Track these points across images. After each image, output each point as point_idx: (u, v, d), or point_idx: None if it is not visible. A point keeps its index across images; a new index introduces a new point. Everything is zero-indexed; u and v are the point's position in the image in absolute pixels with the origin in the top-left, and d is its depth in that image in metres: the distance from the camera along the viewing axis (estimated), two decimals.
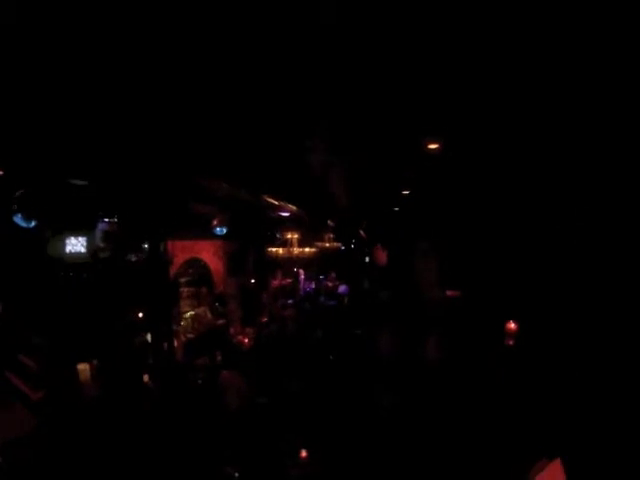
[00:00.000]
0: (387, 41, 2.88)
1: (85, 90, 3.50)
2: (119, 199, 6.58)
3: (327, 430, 5.02)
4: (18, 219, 4.80)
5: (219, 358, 7.39)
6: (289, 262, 11.14)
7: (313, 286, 12.29)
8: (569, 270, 4.76)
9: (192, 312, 8.93)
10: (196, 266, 9.64)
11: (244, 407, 5.49)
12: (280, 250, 10.40)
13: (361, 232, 11.74)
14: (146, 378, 6.27)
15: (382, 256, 9.71)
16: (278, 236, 11.16)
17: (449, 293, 6.96)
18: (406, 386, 5.51)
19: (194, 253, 9.52)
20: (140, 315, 7.04)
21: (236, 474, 4.36)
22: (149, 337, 6.91)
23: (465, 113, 4.23)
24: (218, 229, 8.50)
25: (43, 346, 4.92)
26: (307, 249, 10.74)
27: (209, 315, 9.06)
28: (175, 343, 7.34)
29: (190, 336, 8.17)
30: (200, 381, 6.59)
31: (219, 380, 5.93)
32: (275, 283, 11.28)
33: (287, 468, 4.45)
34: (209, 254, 9.95)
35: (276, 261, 10.87)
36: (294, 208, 9.67)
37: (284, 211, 10.04)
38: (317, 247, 11.30)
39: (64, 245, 6.00)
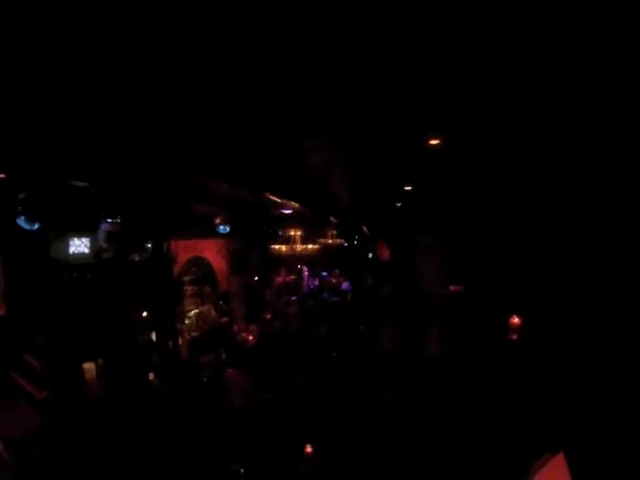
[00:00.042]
0: (388, 36, 2.88)
1: (86, 92, 3.51)
2: (121, 200, 6.60)
3: (331, 426, 5.04)
4: (21, 221, 4.83)
5: (223, 356, 7.44)
6: (292, 259, 11.16)
7: (316, 283, 12.31)
8: (571, 264, 4.75)
9: (196, 310, 8.98)
10: (199, 265, 9.68)
11: (248, 405, 5.52)
12: (283, 247, 10.41)
13: (364, 228, 11.72)
14: (151, 376, 6.31)
15: (385, 252, 9.70)
16: (281, 233, 11.17)
17: (452, 288, 6.95)
18: (409, 382, 5.52)
19: (197, 252, 9.55)
20: (144, 314, 7.08)
21: (242, 470, 4.39)
22: (154, 336, 6.95)
23: (467, 109, 4.22)
24: (221, 227, 8.54)
25: (48, 346, 4.96)
26: (310, 246, 10.75)
27: (213, 313, 9.11)
28: (179, 341, 7.38)
29: (194, 334, 8.22)
30: (205, 379, 6.63)
31: (223, 378, 5.96)
32: (278, 280, 11.31)
33: (292, 464, 4.48)
34: (212, 252, 9.98)
35: (279, 258, 10.89)
36: (297, 205, 9.66)
37: (287, 208, 10.05)
38: (320, 244, 11.30)
39: (67, 246, 6.03)
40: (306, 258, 11.24)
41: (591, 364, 4.11)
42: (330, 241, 11.55)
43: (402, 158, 6.02)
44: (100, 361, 5.76)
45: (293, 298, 10.56)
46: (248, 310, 9.13)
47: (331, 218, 11.49)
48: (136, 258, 7.35)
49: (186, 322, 8.50)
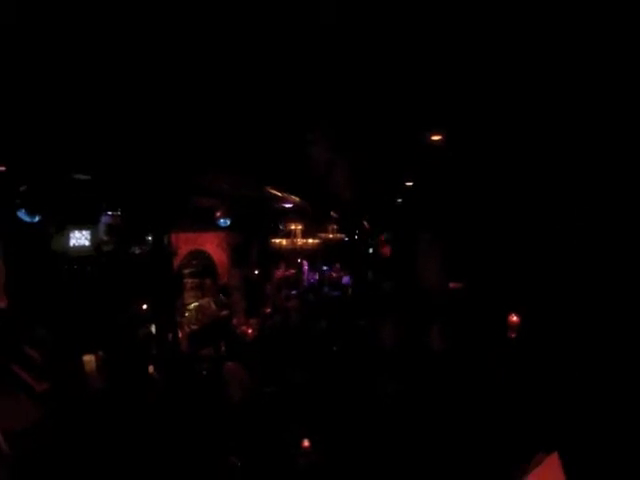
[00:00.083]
0: (390, 31, 2.86)
1: (87, 85, 3.50)
2: (122, 192, 6.60)
3: (331, 420, 5.07)
4: (22, 214, 4.85)
5: (223, 349, 7.46)
6: (293, 253, 11.18)
7: (317, 277, 12.31)
8: (571, 264, 4.75)
9: (196, 303, 9.00)
10: (200, 258, 9.70)
11: (247, 398, 5.54)
12: (284, 241, 10.43)
13: (365, 223, 11.73)
14: (151, 369, 6.34)
15: (385, 247, 9.72)
16: (282, 227, 11.18)
17: (452, 285, 6.96)
18: (409, 376, 5.54)
19: (198, 245, 9.57)
20: (144, 307, 7.10)
21: (239, 464, 4.42)
22: (153, 328, 6.98)
23: (469, 106, 4.21)
24: (222, 221, 8.54)
25: (48, 339, 4.99)
26: (311, 240, 10.77)
27: (213, 306, 9.13)
28: (179, 334, 7.40)
29: (194, 327, 8.24)
30: (204, 372, 6.66)
31: (223, 371, 5.98)
32: (279, 274, 11.31)
33: (292, 457, 4.50)
34: (213, 246, 9.99)
35: (280, 252, 10.91)
36: (298, 199, 9.66)
37: (287, 202, 10.05)
38: (321, 238, 11.33)
39: (68, 239, 6.05)
40: (306, 252, 11.27)
41: (587, 364, 4.13)
42: (331, 235, 11.57)
43: (403, 154, 6.01)
44: (100, 353, 5.79)
45: (293, 292, 10.57)
46: (248, 304, 9.14)
47: (332, 212, 11.50)
48: (136, 251, 7.37)
49: (186, 315, 8.52)
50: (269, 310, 9.44)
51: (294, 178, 7.32)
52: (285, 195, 9.13)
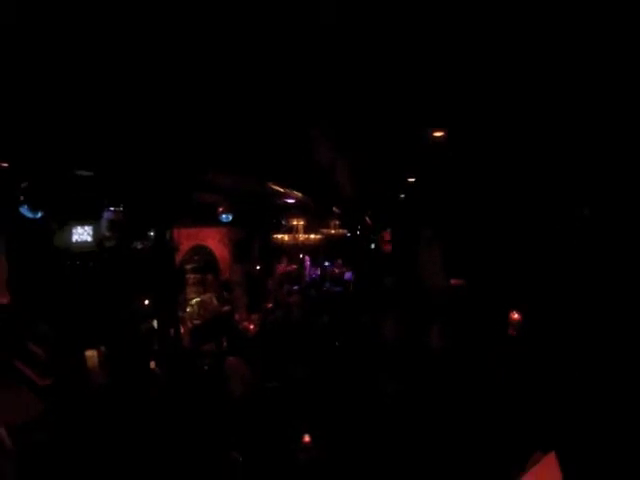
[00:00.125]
0: (392, 27, 2.85)
1: (89, 82, 3.50)
2: (124, 188, 6.62)
3: (332, 416, 5.08)
4: (24, 210, 4.86)
5: (225, 344, 7.48)
6: (294, 249, 11.20)
7: (318, 272, 12.33)
8: (571, 263, 4.74)
9: (198, 299, 9.02)
10: (202, 253, 9.72)
11: (248, 394, 5.57)
12: (285, 237, 10.45)
13: (367, 219, 11.72)
14: (153, 364, 6.37)
15: (387, 243, 9.71)
16: (284, 223, 11.19)
17: (453, 282, 6.96)
18: (409, 376, 5.55)
19: (200, 240, 9.59)
20: (146, 302, 7.12)
21: (240, 459, 4.44)
22: (155, 324, 7.01)
23: (471, 104, 4.19)
24: (224, 216, 8.55)
25: (50, 334, 5.01)
26: (312, 236, 10.78)
27: (215, 302, 9.15)
28: (181, 329, 7.43)
29: (196, 322, 8.27)
30: (206, 367, 6.68)
31: (225, 366, 6.01)
32: (281, 269, 11.33)
33: (293, 453, 4.52)
34: (215, 241, 10.01)
35: (281, 248, 10.93)
36: (300, 195, 9.65)
37: (289, 198, 10.04)
38: (323, 234, 11.33)
39: (70, 234, 6.07)
40: (308, 248, 11.28)
41: (587, 363, 4.13)
42: (333, 231, 11.58)
43: (406, 150, 6.00)
44: (103, 349, 5.83)
45: (295, 288, 10.58)
46: (250, 299, 9.16)
47: (334, 208, 11.49)
48: (139, 246, 7.40)
49: (188, 310, 8.54)
50: (271, 305, 9.47)
51: (296, 174, 7.31)
52: (287, 191, 9.12)
